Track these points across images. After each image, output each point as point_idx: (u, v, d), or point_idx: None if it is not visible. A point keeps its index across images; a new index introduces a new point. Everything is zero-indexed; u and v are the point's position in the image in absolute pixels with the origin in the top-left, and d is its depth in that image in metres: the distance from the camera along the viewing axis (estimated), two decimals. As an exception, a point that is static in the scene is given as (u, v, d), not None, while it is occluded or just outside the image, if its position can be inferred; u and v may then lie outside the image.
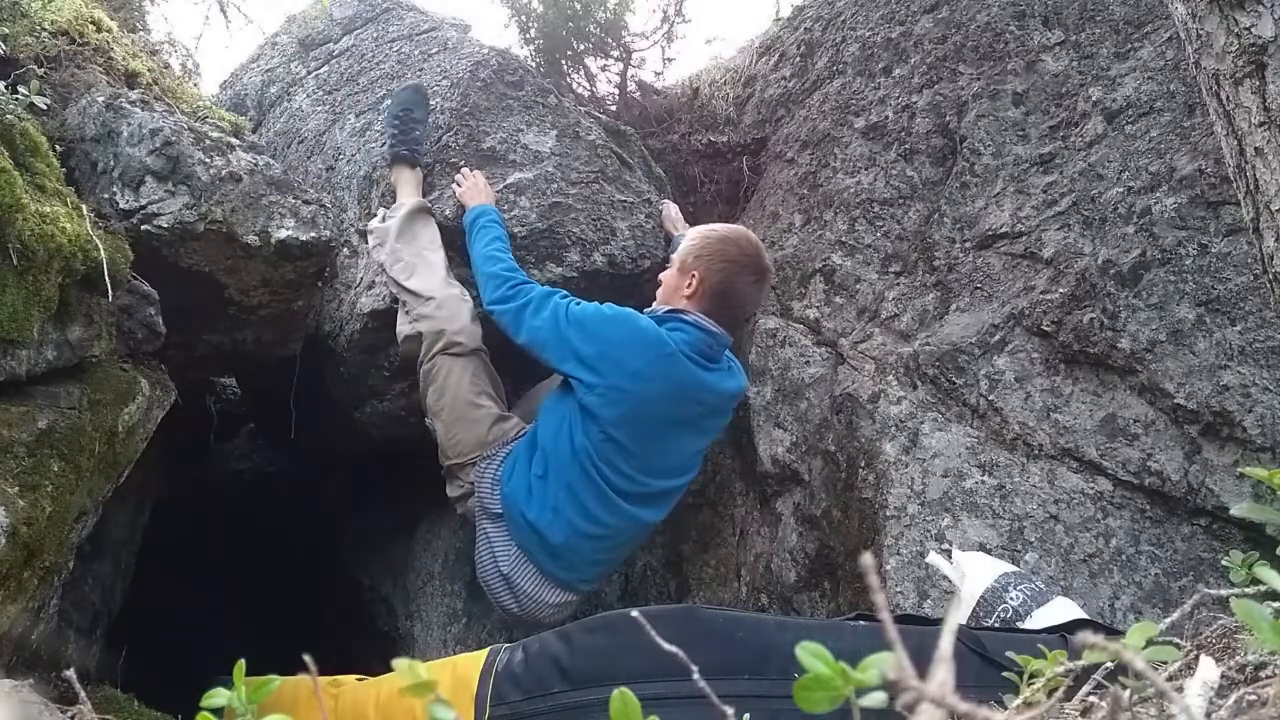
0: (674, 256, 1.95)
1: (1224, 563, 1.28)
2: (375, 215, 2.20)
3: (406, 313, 2.04)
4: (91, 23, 2.10)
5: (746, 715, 0.60)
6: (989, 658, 0.96)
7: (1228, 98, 1.12)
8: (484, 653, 1.19)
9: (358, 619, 2.80)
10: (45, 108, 1.61)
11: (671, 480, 1.93)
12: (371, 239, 2.15)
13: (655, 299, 1.98)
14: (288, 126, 2.88)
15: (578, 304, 1.85)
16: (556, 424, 1.85)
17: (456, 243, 2.12)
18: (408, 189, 2.18)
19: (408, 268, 2.04)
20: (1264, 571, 0.53)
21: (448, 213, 2.16)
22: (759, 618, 1.17)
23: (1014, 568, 1.32)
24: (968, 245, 2.07)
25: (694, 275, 1.85)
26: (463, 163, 2.24)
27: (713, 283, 1.83)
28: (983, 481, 1.76)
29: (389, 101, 2.36)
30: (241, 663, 0.54)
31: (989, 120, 2.17)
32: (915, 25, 2.48)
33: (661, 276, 1.98)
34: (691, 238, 1.91)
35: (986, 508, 1.73)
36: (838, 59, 2.68)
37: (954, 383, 1.92)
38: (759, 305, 2.14)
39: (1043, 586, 1.26)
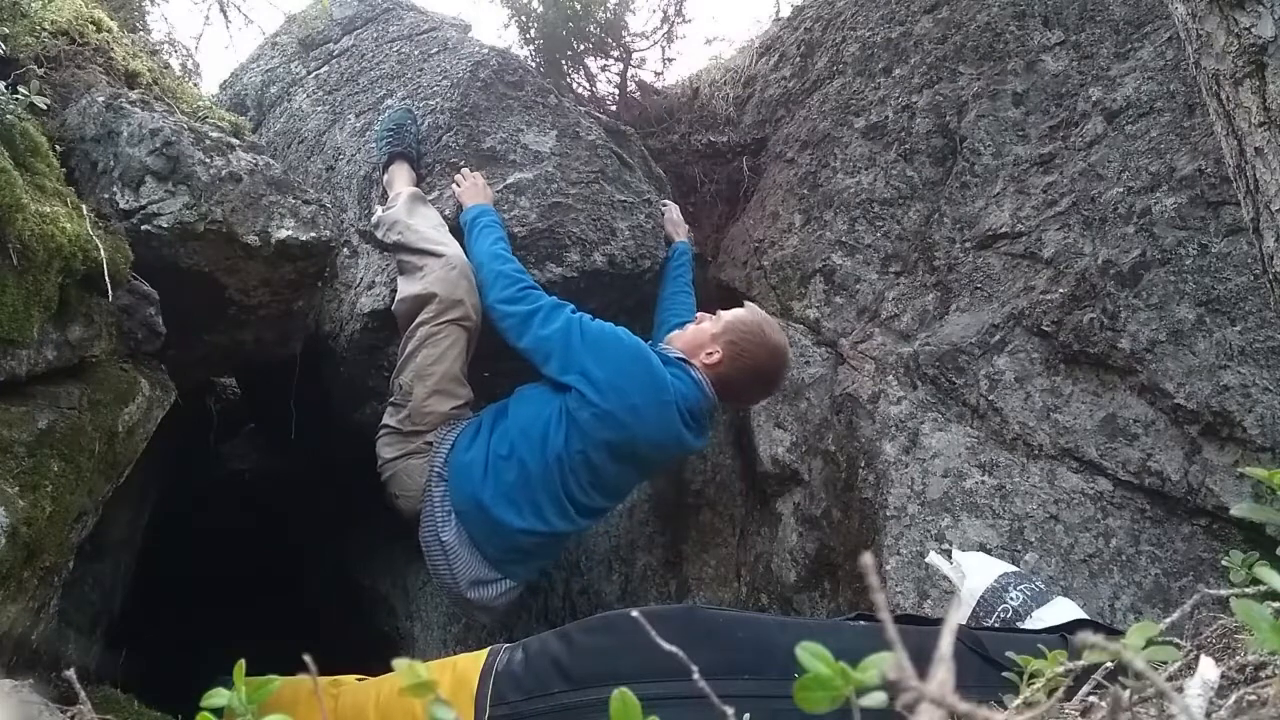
0: (720, 315, 1.97)
1: (1224, 563, 1.28)
2: (373, 213, 2.20)
3: (420, 275, 1.98)
4: (91, 23, 2.10)
5: (747, 715, 0.60)
6: (989, 658, 0.96)
7: (1228, 98, 1.12)
8: (484, 653, 1.19)
9: (358, 619, 2.80)
10: (45, 108, 1.61)
11: (614, 501, 2.03)
12: (380, 230, 2.12)
13: (680, 333, 2.02)
14: (288, 126, 2.88)
15: (592, 320, 1.87)
16: (534, 415, 1.85)
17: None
18: (402, 183, 2.19)
19: (421, 236, 2.03)
20: (1264, 571, 0.53)
21: (447, 213, 2.16)
22: (759, 618, 1.17)
23: (1014, 568, 1.32)
24: (968, 245, 2.07)
25: (720, 355, 1.90)
26: (462, 163, 2.24)
27: (730, 377, 1.90)
28: (983, 481, 1.76)
29: (378, 123, 2.35)
30: (241, 663, 0.54)
31: (989, 120, 2.17)
32: (915, 25, 2.48)
33: (701, 320, 2.01)
34: (742, 321, 1.94)
35: (986, 508, 1.73)
36: (838, 59, 2.68)
37: (954, 383, 1.92)
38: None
39: (1043, 586, 1.26)
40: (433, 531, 1.86)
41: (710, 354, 1.90)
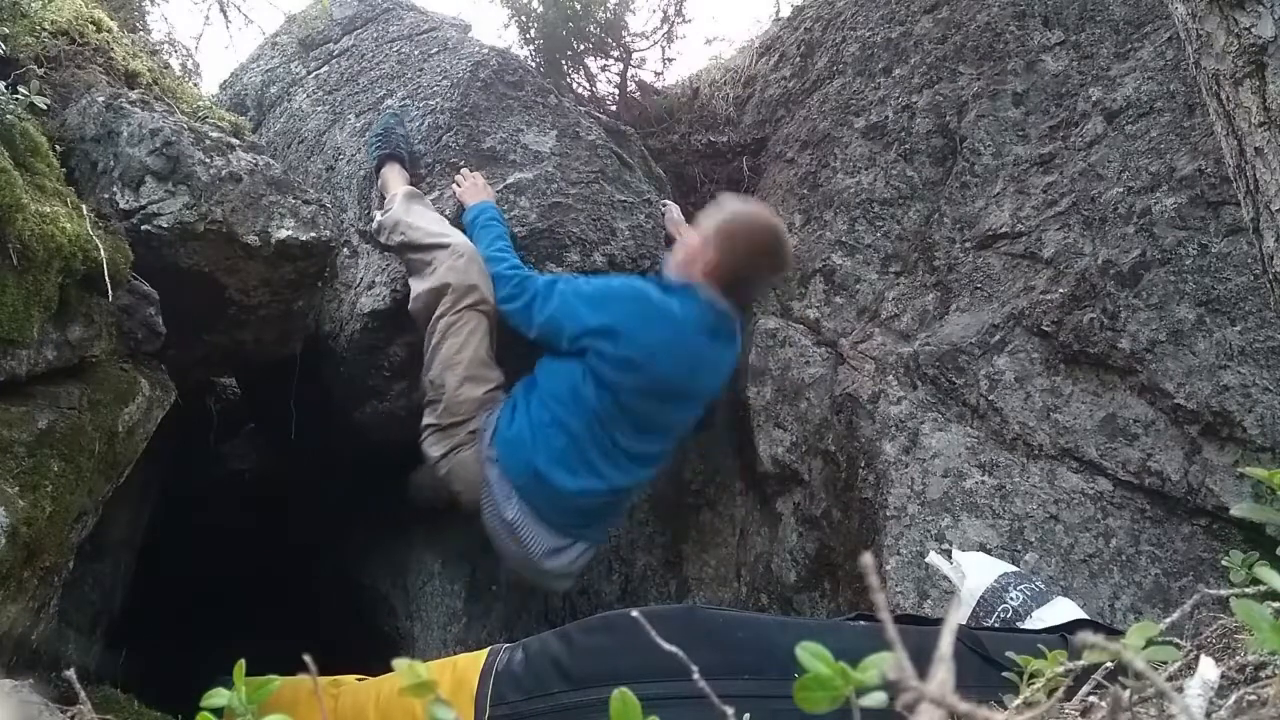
0: (701, 223, 1.94)
1: (1224, 563, 1.28)
2: (372, 218, 2.20)
3: (430, 270, 1.98)
4: (91, 23, 2.10)
5: (747, 715, 0.60)
6: (989, 658, 0.96)
7: (1228, 98, 1.12)
8: (484, 653, 1.19)
9: (358, 619, 2.80)
10: (45, 108, 1.61)
11: (667, 441, 1.99)
12: (382, 234, 2.12)
13: (670, 257, 2.02)
14: (288, 126, 2.88)
15: (584, 280, 1.90)
16: (562, 379, 1.87)
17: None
18: (396, 184, 2.19)
19: (424, 231, 2.04)
20: (1264, 571, 0.53)
21: (447, 212, 2.16)
22: (759, 618, 1.17)
23: (1014, 568, 1.32)
24: (968, 245, 2.07)
25: (715, 254, 1.85)
26: (463, 163, 2.24)
27: (731, 267, 1.85)
28: (983, 481, 1.76)
29: (371, 129, 2.35)
30: (241, 663, 0.54)
31: (989, 120, 2.17)
32: (915, 25, 2.48)
33: (684, 238, 2.02)
34: (721, 211, 1.90)
35: (986, 508, 1.73)
36: (838, 59, 2.68)
37: (954, 383, 1.92)
38: (771, 288, 2.23)
39: (1043, 586, 1.26)
40: (495, 514, 1.87)
41: (706, 261, 1.86)
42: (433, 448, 1.97)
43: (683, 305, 1.83)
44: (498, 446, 1.88)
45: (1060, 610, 1.18)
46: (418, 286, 2.00)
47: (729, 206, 1.91)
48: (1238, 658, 0.73)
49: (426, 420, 1.98)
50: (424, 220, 2.07)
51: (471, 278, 1.95)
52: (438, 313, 1.95)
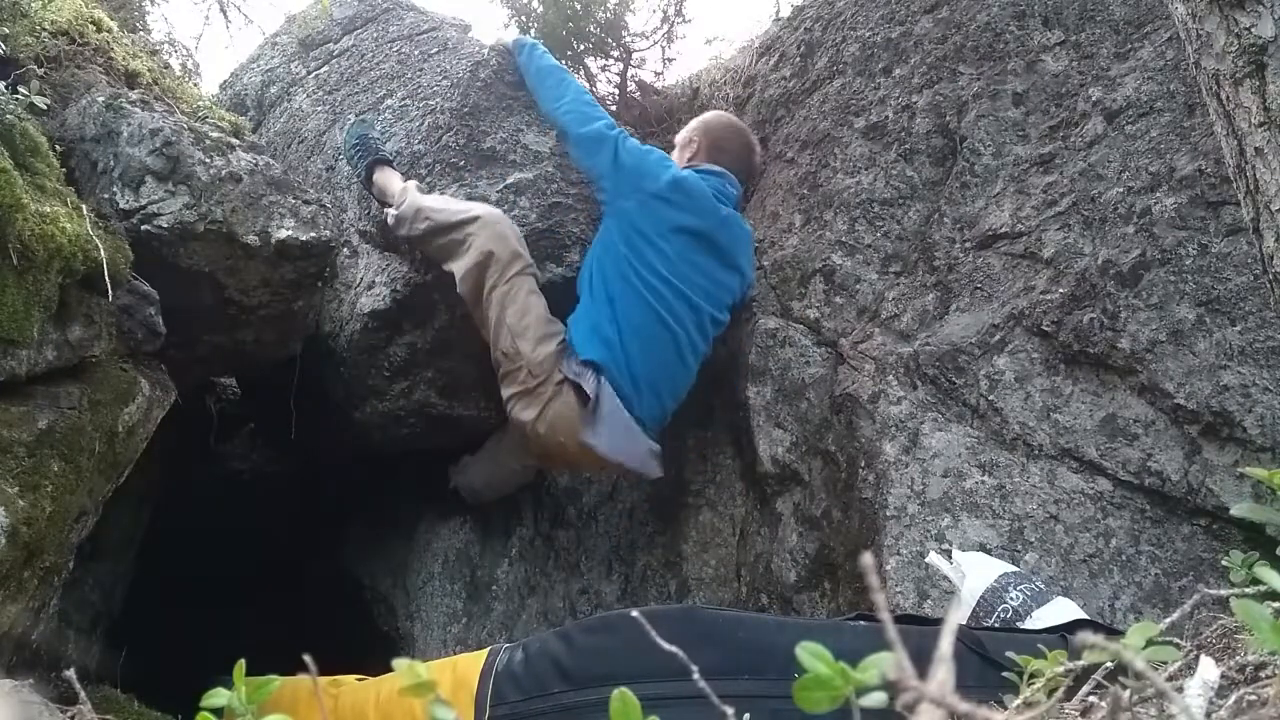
0: (675, 140, 2.38)
1: (1224, 563, 1.28)
2: (385, 217, 2.18)
3: (466, 247, 2.01)
4: (91, 23, 2.10)
5: (747, 715, 0.60)
6: (989, 658, 0.96)
7: (1228, 98, 1.12)
8: (484, 653, 1.19)
9: (358, 619, 2.80)
10: (45, 108, 1.61)
11: (710, 306, 2.13)
12: (404, 227, 2.11)
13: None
14: (288, 126, 2.88)
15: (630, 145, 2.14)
16: (601, 264, 2.06)
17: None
18: (397, 182, 2.19)
19: (448, 211, 2.05)
20: (1264, 571, 0.53)
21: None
22: (759, 618, 1.17)
23: (1014, 568, 1.32)
24: (968, 245, 2.07)
25: (697, 143, 2.28)
26: (463, 163, 2.24)
27: (708, 141, 2.27)
28: (983, 481, 1.76)
29: (345, 141, 2.37)
30: (241, 663, 0.54)
31: (989, 120, 2.17)
32: (915, 25, 2.48)
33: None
34: (698, 118, 2.39)
35: (986, 508, 1.73)
36: (838, 59, 2.68)
37: (954, 383, 1.92)
38: (753, 168, 2.48)
39: (1043, 586, 1.26)
40: (617, 418, 1.96)
41: (694, 146, 2.28)
42: (525, 412, 1.99)
43: (703, 175, 2.17)
44: (579, 350, 1.98)
45: (1060, 610, 1.18)
46: (459, 266, 2.01)
47: (703, 114, 2.40)
48: (1238, 658, 0.73)
49: (509, 391, 2.01)
50: (443, 202, 2.08)
51: (511, 244, 2.00)
52: (488, 286, 1.97)
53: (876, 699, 0.35)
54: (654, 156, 2.11)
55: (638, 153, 2.09)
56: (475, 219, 2.00)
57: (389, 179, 2.21)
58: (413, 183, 2.15)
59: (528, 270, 2.02)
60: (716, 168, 2.20)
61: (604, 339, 1.98)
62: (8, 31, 1.68)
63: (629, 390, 1.98)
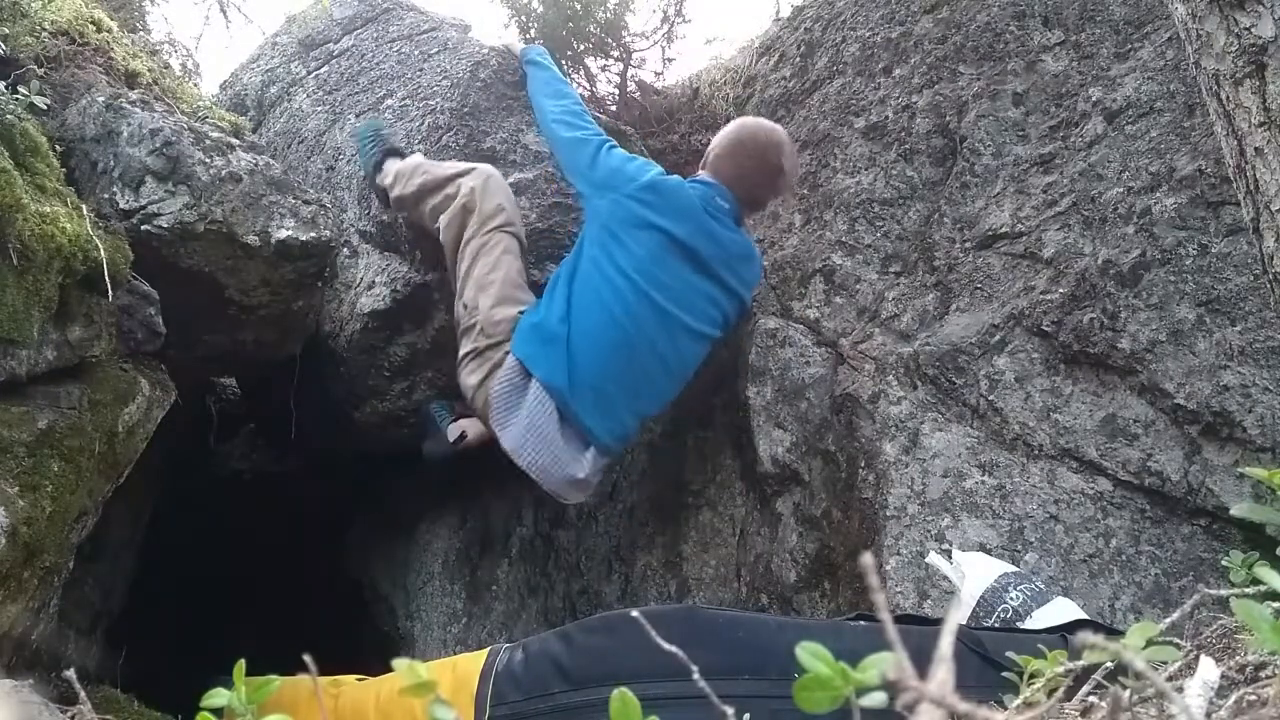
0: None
1: (1224, 563, 1.28)
2: (384, 174, 2.16)
3: (453, 198, 1.96)
4: (91, 23, 2.10)
5: (747, 715, 0.60)
6: (989, 658, 0.96)
7: (1228, 98, 1.12)
8: (484, 653, 1.19)
9: (358, 619, 2.80)
10: (45, 108, 1.61)
11: (684, 313, 1.94)
12: (399, 185, 2.08)
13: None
14: (288, 126, 2.88)
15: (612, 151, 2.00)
16: (573, 258, 1.93)
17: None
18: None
19: (442, 167, 2.04)
20: (1264, 571, 0.53)
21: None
22: (759, 618, 1.16)
23: (1014, 568, 1.32)
24: (968, 245, 2.07)
25: (709, 149, 2.11)
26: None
27: (717, 151, 2.07)
28: (983, 481, 1.76)
29: (358, 135, 2.36)
30: (241, 663, 0.53)
31: (989, 120, 2.17)
32: (915, 25, 2.48)
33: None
34: (724, 130, 2.12)
35: (986, 508, 1.73)
36: (838, 59, 2.68)
37: (954, 383, 1.92)
38: (757, 189, 2.18)
39: (1043, 586, 1.26)
40: (537, 411, 1.83)
41: (703, 162, 2.10)
42: (471, 376, 1.90)
43: (693, 184, 2.01)
44: (520, 348, 1.85)
45: (1060, 610, 1.18)
46: (445, 217, 1.97)
47: (731, 124, 2.11)
48: (1238, 658, 0.73)
49: (463, 350, 1.93)
50: (443, 164, 2.07)
51: (497, 198, 1.94)
52: (466, 236, 1.92)
53: (876, 699, 0.35)
54: (637, 162, 1.99)
55: (619, 157, 1.99)
56: (465, 174, 1.97)
57: (398, 166, 2.21)
58: (418, 156, 2.16)
59: (509, 229, 1.93)
60: (711, 179, 2.05)
61: (546, 336, 1.83)
62: (8, 31, 1.68)
63: (566, 394, 1.81)
